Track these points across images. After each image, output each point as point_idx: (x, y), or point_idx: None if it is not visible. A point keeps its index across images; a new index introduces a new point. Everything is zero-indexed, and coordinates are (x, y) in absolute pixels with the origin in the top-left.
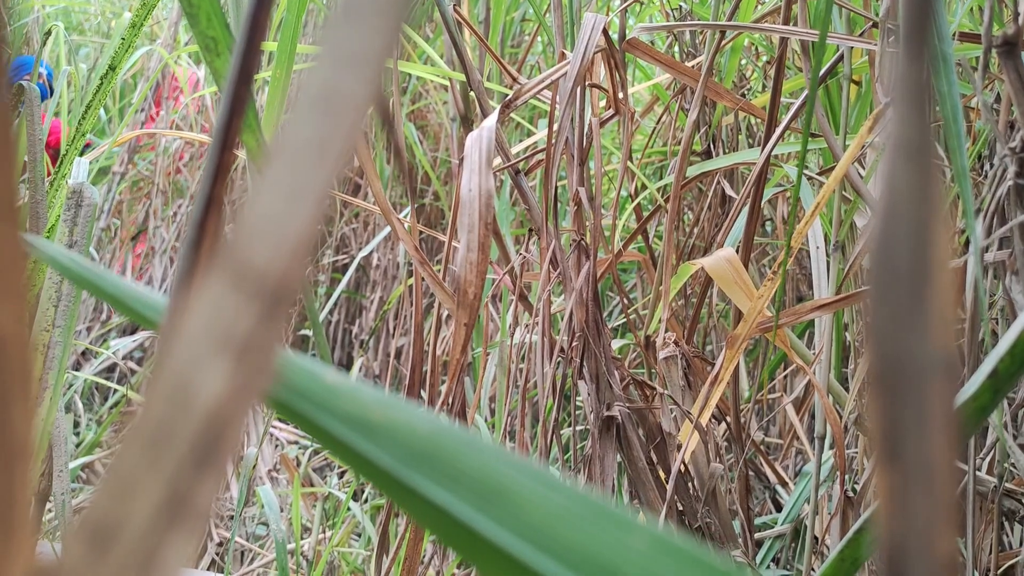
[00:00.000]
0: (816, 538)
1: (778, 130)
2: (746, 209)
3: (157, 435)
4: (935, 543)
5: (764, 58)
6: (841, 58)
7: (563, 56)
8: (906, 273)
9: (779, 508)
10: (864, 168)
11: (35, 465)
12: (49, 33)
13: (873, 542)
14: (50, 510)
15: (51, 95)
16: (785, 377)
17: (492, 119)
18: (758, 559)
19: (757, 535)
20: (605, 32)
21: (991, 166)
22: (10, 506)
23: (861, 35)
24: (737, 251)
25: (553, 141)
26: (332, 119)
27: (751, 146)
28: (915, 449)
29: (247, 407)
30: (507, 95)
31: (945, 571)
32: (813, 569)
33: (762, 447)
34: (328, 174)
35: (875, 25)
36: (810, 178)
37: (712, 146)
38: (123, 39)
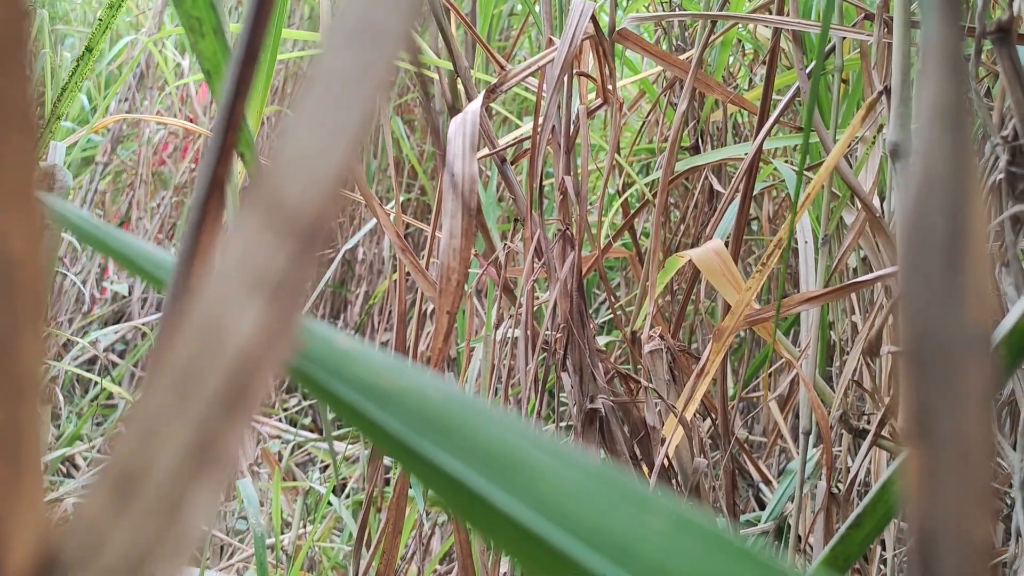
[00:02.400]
0: (799, 536)
1: (769, 120)
2: (735, 203)
3: (186, 377)
4: (969, 527)
5: (750, 57)
6: (832, 50)
7: (551, 43)
8: (941, 244)
9: (762, 506)
10: (852, 163)
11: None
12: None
13: (864, 540)
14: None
15: None
16: (769, 375)
17: (477, 103)
18: None
19: (741, 532)
20: (594, 19)
21: (982, 156)
22: (18, 443)
23: (853, 27)
24: (726, 246)
25: (539, 128)
26: (371, 49)
27: (739, 144)
28: (948, 427)
29: (280, 349)
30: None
31: (979, 557)
32: (796, 566)
33: (746, 445)
34: (366, 107)
35: (867, 17)
36: (798, 173)
37: (700, 142)
38: (100, 19)
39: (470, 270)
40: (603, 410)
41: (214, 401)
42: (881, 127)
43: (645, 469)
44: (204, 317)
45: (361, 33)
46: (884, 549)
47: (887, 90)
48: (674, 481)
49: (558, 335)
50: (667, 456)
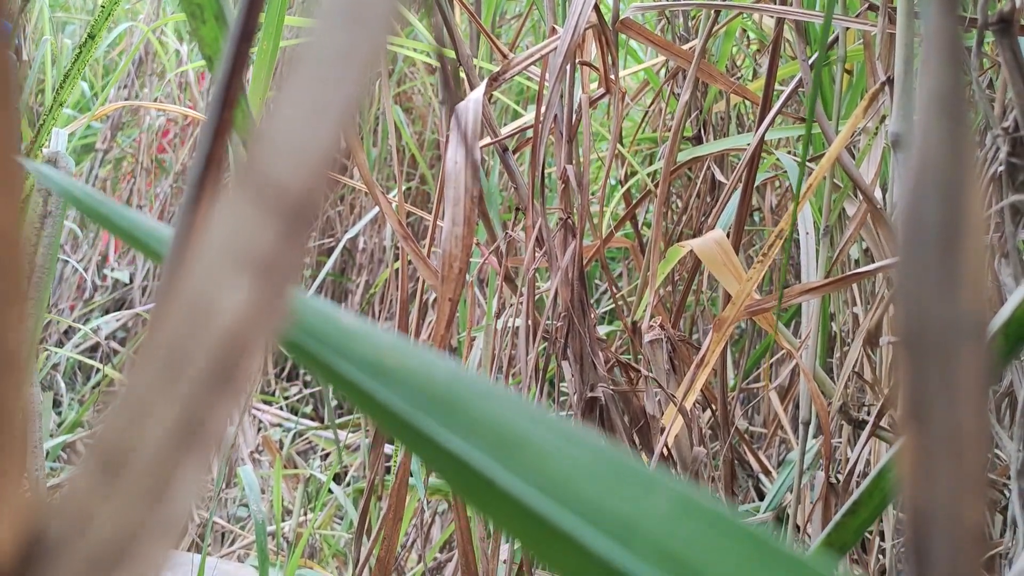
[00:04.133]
0: (798, 526)
1: (772, 111)
2: (737, 194)
3: (172, 355)
4: (962, 513)
5: (754, 47)
6: (835, 40)
7: (553, 31)
8: (937, 231)
9: (761, 496)
10: (855, 154)
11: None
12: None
13: (860, 527)
14: (25, 488)
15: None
16: (770, 366)
17: (479, 91)
18: None
19: None
20: (597, 8)
21: (983, 147)
22: (1, 422)
23: (856, 17)
24: (728, 237)
25: (542, 117)
26: (359, 28)
27: (741, 134)
28: (943, 414)
29: (267, 328)
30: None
31: (972, 542)
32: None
33: (746, 435)
34: (354, 86)
35: (870, 7)
36: (801, 164)
37: (703, 132)
38: (103, 6)
39: (471, 259)
40: (603, 399)
41: (201, 380)
42: (884, 118)
43: (644, 458)
44: (191, 295)
45: (349, 12)
46: (883, 539)
47: (890, 80)
48: (673, 470)
49: (559, 324)
50: (666, 445)
